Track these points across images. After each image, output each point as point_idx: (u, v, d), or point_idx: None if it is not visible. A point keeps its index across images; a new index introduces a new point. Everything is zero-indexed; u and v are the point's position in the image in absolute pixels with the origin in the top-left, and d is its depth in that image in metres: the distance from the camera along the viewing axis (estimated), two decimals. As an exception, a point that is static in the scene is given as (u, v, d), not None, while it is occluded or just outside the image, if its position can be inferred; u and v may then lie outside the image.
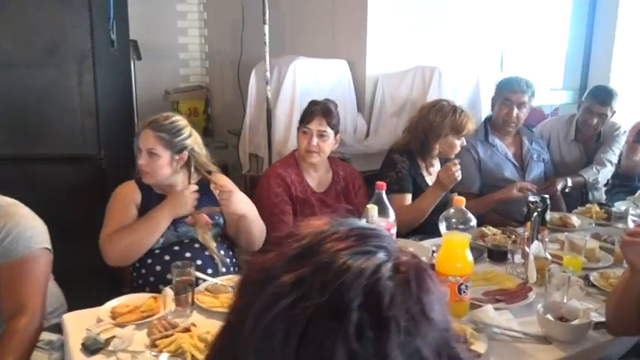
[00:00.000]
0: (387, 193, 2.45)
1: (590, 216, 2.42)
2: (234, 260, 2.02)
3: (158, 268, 1.87)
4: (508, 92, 2.71)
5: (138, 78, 5.31)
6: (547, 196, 1.91)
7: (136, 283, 1.92)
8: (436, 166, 2.53)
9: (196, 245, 1.91)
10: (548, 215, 1.92)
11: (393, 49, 3.28)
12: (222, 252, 1.96)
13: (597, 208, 2.44)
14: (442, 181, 2.27)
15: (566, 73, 4.60)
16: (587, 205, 2.51)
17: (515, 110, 2.69)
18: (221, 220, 2.01)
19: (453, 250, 1.56)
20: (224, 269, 1.92)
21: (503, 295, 1.72)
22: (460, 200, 1.60)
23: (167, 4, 5.65)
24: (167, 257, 1.87)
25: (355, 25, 3.31)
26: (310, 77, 3.26)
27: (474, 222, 1.59)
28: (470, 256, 1.56)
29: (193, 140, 1.95)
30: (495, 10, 3.71)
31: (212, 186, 1.92)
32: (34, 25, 2.62)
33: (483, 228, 2.17)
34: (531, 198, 1.91)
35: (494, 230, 2.15)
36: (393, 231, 1.68)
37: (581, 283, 1.75)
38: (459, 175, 2.24)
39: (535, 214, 1.84)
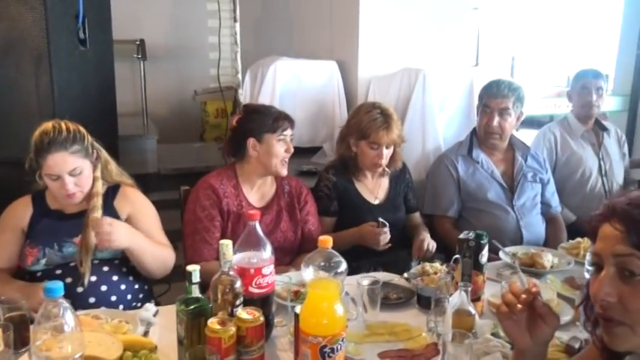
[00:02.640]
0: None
1: (577, 253, 1.97)
2: (136, 287, 1.81)
3: (38, 293, 1.70)
4: (487, 98, 2.31)
5: (166, 78, 5.33)
6: (483, 232, 1.53)
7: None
8: (369, 177, 2.25)
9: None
10: (485, 257, 1.54)
11: (386, 50, 2.99)
12: (115, 277, 1.76)
13: (588, 243, 1.99)
14: (364, 237, 2.05)
15: (617, 79, 4.05)
16: (578, 239, 2.05)
17: (497, 118, 2.29)
18: None
19: (317, 302, 1.25)
20: (114, 297, 1.73)
21: (402, 357, 1.38)
22: (326, 241, 1.28)
23: (197, 3, 5.55)
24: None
25: (348, 26, 3.04)
26: (293, 78, 3.03)
27: (343, 267, 1.27)
28: (339, 311, 1.24)
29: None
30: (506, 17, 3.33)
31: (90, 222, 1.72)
32: (-11, 24, 2.56)
33: (427, 264, 1.81)
34: (462, 235, 1.54)
35: (439, 268, 1.78)
36: (271, 268, 1.39)
37: (507, 350, 1.37)
38: (384, 240, 2.00)
39: (462, 255, 1.48)
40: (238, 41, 3.23)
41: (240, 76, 4.25)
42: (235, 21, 3.13)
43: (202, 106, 5.34)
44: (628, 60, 3.94)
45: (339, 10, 3.16)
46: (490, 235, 2.11)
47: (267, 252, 1.41)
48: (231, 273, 1.32)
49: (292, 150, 2.03)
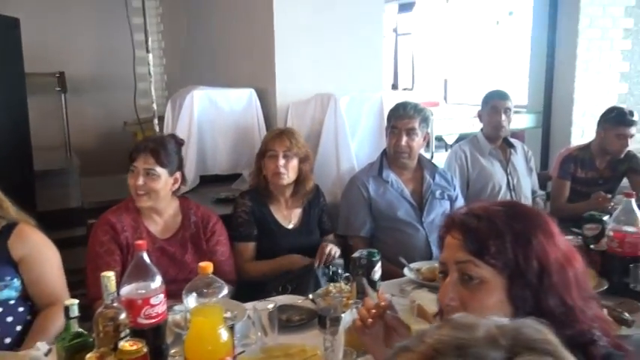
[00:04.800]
0: (232, 242, 2.22)
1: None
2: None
3: None
4: (395, 119, 2.40)
5: (94, 110, 5.23)
6: (375, 250, 1.58)
7: None
8: (282, 202, 2.30)
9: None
10: (378, 274, 1.58)
11: (302, 76, 3.04)
12: (9, 318, 1.69)
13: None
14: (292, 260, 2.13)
15: (530, 97, 4.29)
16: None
17: (405, 138, 2.37)
18: (16, 281, 1.74)
19: (200, 329, 1.25)
20: (8, 340, 1.66)
21: (296, 378, 1.39)
22: (206, 267, 1.29)
23: (124, 33, 5.51)
24: None
25: (265, 54, 3.09)
26: (210, 106, 3.03)
27: (225, 291, 1.28)
28: (224, 336, 1.25)
29: None
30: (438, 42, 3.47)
31: None
32: None
33: (331, 284, 1.83)
34: (356, 253, 1.58)
35: (343, 288, 1.80)
36: (161, 298, 1.37)
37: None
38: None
39: (355, 273, 1.51)
40: (151, 71, 3.22)
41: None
42: (148, 52, 3.11)
43: (133, 137, 5.26)
44: (539, 79, 4.18)
45: (256, 39, 3.21)
46: (402, 252, 2.21)
47: (157, 281, 1.39)
48: (115, 305, 1.30)
49: (140, 182, 1.93)
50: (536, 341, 0.53)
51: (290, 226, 2.27)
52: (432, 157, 3.83)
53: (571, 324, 0.88)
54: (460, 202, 2.57)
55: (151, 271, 1.39)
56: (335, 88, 2.91)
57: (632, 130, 2.90)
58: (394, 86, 9.51)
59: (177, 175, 2.05)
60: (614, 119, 2.91)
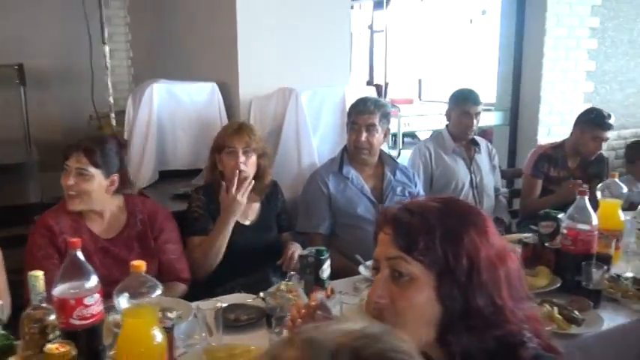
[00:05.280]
0: (184, 237, 2.17)
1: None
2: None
3: None
4: (355, 115, 2.37)
5: (58, 103, 5.08)
6: (323, 248, 1.54)
7: None
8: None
9: None
10: (327, 272, 1.54)
11: (265, 70, 2.97)
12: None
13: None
14: (224, 206, 2.03)
15: (498, 94, 4.31)
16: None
17: (364, 134, 2.34)
18: None
19: (132, 331, 1.20)
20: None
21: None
22: (139, 266, 1.23)
23: (90, 26, 5.38)
24: None
25: (227, 46, 3.02)
26: (171, 101, 2.96)
27: (158, 291, 1.22)
28: (158, 337, 1.20)
29: None
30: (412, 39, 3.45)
31: None
32: None
33: (282, 283, 1.79)
34: (304, 251, 1.54)
35: (294, 286, 1.76)
36: (96, 298, 1.31)
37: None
38: (240, 198, 2.03)
39: (303, 272, 1.47)
40: (108, 64, 3.14)
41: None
42: (104, 44, 3.02)
43: (99, 131, 5.13)
44: (507, 77, 4.19)
45: (219, 31, 3.14)
46: (361, 249, 2.17)
47: (92, 281, 1.33)
48: (43, 305, 1.24)
49: (70, 182, 1.82)
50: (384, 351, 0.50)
51: (247, 223, 2.22)
52: (398, 154, 3.82)
53: (500, 324, 0.85)
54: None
55: (86, 270, 1.33)
56: (300, 82, 2.86)
57: (608, 134, 2.92)
58: (369, 83, 9.51)
59: (115, 177, 1.91)
60: (593, 122, 2.90)
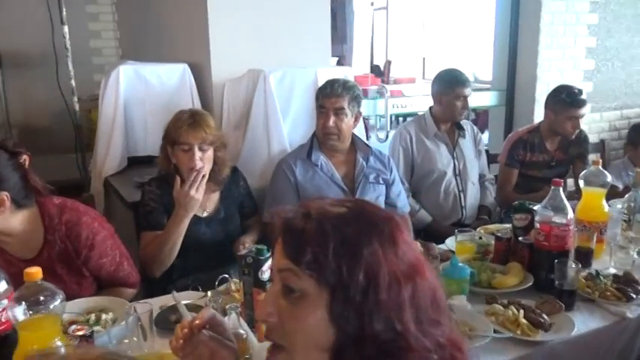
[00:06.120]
0: (137, 232, 2.05)
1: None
2: None
3: None
4: (322, 98, 2.22)
5: (44, 86, 4.94)
6: (264, 247, 1.40)
7: None
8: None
9: None
10: (267, 273, 1.41)
11: (238, 51, 2.81)
12: None
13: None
14: (178, 202, 1.90)
15: (494, 74, 4.11)
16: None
17: (332, 118, 2.19)
18: None
19: (29, 344, 1.08)
20: None
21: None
22: (34, 274, 1.11)
23: (74, 4, 5.21)
24: None
25: (198, 26, 2.87)
26: (140, 83, 2.82)
27: (57, 300, 1.10)
28: (61, 350, 1.08)
29: None
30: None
31: None
32: None
33: (233, 281, 1.67)
34: (244, 250, 1.41)
35: (236, 286, 1.63)
36: (4, 304, 1.19)
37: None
38: (194, 194, 1.89)
39: (242, 273, 1.34)
40: (68, 45, 2.98)
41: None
42: (63, 24, 2.85)
43: (87, 114, 5.01)
44: (503, 57, 3.99)
45: (190, 9, 2.99)
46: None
47: (1, 284, 1.22)
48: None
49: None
50: None
51: (204, 215, 2.08)
52: (386, 137, 3.66)
53: (399, 353, 0.71)
54: (397, 186, 2.40)
55: (-7, 274, 1.21)
56: (276, 64, 2.70)
57: (584, 110, 2.73)
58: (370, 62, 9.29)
59: (3, 195, 1.51)
60: (565, 102, 2.72)
